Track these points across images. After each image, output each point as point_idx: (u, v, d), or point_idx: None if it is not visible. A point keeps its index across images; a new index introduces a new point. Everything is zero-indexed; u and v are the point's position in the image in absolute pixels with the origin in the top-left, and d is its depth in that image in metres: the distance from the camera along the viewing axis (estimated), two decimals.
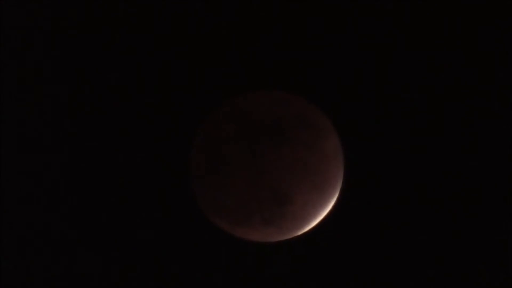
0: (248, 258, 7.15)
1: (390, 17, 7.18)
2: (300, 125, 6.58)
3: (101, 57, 7.20)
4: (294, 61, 7.17)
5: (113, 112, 7.19)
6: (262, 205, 6.47)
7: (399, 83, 7.20)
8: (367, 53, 7.19)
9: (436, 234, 7.20)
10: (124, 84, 7.19)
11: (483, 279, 7.15)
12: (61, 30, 7.19)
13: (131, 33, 7.18)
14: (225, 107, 6.77)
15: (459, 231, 7.19)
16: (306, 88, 7.06)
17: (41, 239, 7.18)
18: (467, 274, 7.16)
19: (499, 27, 7.16)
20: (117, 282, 7.20)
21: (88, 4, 7.19)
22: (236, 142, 6.46)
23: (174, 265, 7.23)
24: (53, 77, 7.20)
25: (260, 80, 7.11)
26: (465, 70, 7.19)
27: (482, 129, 7.19)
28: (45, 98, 7.19)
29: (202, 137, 6.76)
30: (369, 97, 7.18)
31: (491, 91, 7.19)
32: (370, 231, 7.16)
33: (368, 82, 7.19)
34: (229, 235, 6.91)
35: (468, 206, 7.19)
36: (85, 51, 7.20)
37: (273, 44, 7.17)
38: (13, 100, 7.16)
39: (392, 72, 7.19)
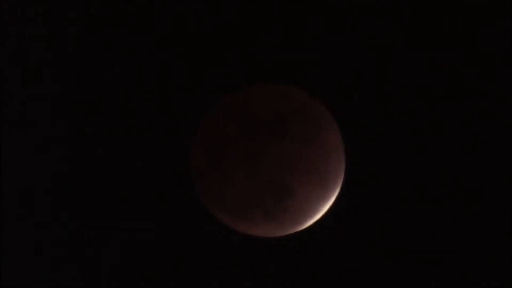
0: (249, 253, 7.14)
1: (390, 17, 7.19)
2: (301, 120, 6.58)
3: (101, 57, 7.20)
4: (294, 61, 7.18)
5: (113, 112, 7.19)
6: (263, 200, 6.47)
7: (399, 83, 7.20)
8: (367, 53, 7.20)
9: (436, 228, 7.21)
10: (124, 84, 7.19)
11: (483, 279, 7.13)
12: (61, 30, 7.20)
13: (131, 33, 7.19)
14: (225, 103, 6.77)
15: (458, 231, 7.19)
16: (306, 88, 7.06)
17: (40, 239, 7.16)
18: (467, 274, 7.15)
19: (499, 27, 7.18)
20: (118, 282, 7.19)
21: (88, 4, 7.20)
22: (237, 137, 6.45)
23: (175, 262, 7.21)
24: (53, 77, 7.20)
25: (260, 81, 7.11)
26: (465, 70, 7.20)
27: (482, 129, 7.19)
28: (45, 98, 7.19)
29: (202, 135, 6.76)
30: (369, 97, 7.19)
31: (491, 91, 7.20)
32: (371, 226, 7.16)
33: (368, 82, 7.20)
34: (229, 231, 6.90)
35: (468, 206, 7.18)
36: (85, 51, 7.21)
37: (273, 44, 7.18)
38: (13, 100, 7.16)
39: (392, 72, 7.20)
